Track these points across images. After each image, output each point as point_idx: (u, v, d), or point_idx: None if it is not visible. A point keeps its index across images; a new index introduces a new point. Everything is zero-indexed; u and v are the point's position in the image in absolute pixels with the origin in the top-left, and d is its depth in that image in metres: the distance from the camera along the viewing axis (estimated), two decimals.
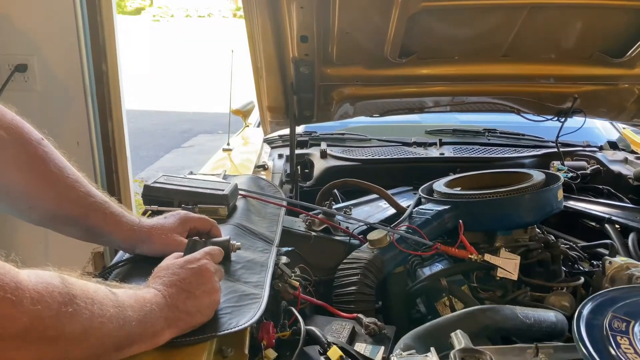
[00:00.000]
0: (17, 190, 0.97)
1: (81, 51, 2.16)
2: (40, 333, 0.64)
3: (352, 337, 1.18)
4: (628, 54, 1.70)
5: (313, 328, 1.09)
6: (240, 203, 1.47)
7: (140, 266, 1.06)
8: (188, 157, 6.97)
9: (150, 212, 1.35)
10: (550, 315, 1.19)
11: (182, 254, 0.99)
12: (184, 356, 0.85)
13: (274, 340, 1.05)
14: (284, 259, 1.29)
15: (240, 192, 1.51)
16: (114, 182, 2.40)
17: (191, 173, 1.72)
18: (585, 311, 0.97)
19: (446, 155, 2.33)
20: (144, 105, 10.29)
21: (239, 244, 1.15)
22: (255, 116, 2.80)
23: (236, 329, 0.91)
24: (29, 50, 2.22)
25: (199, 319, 0.88)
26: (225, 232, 1.22)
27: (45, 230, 1.11)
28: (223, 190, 1.39)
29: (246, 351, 0.94)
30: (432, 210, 1.61)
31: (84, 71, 2.20)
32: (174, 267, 0.91)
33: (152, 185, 1.39)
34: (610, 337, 0.89)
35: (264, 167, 2.02)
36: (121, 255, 1.14)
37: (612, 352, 0.86)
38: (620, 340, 0.89)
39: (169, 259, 0.96)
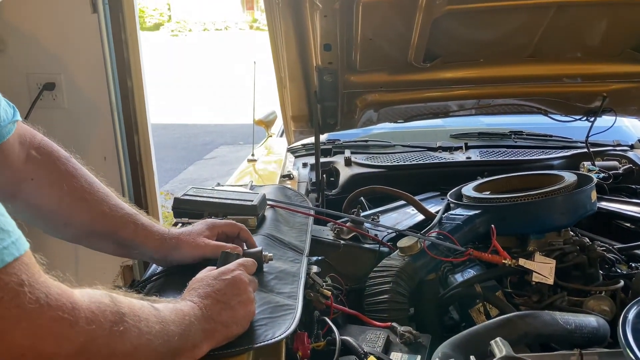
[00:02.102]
0: (52, 207, 0.99)
1: (107, 68, 2.20)
2: (94, 352, 0.65)
3: (387, 347, 1.16)
4: None
5: (348, 338, 1.08)
6: (268, 213, 1.47)
7: (174, 279, 1.06)
8: (211, 169, 7.02)
9: (180, 224, 1.36)
10: (591, 321, 1.16)
11: (215, 267, 1.00)
12: None
13: (309, 351, 1.04)
14: (314, 269, 1.28)
15: (269, 202, 1.51)
16: (141, 196, 2.42)
17: (218, 184, 1.72)
18: (631, 315, 0.94)
19: (473, 159, 2.29)
20: (166, 118, 10.42)
21: (271, 255, 1.14)
22: (277, 126, 2.81)
23: (272, 340, 0.90)
24: (57, 69, 2.26)
25: (235, 330, 0.88)
26: (255, 243, 1.22)
27: (74, 245, 1.12)
28: (252, 200, 1.39)
29: None
30: (462, 215, 1.58)
31: (110, 87, 2.23)
32: (208, 279, 0.91)
33: (182, 197, 1.39)
34: None
35: (289, 177, 2.02)
36: (154, 268, 1.14)
37: None
38: None
39: (203, 271, 0.96)
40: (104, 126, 2.28)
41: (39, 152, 0.97)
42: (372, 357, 1.00)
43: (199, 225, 1.13)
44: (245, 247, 1.16)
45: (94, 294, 0.68)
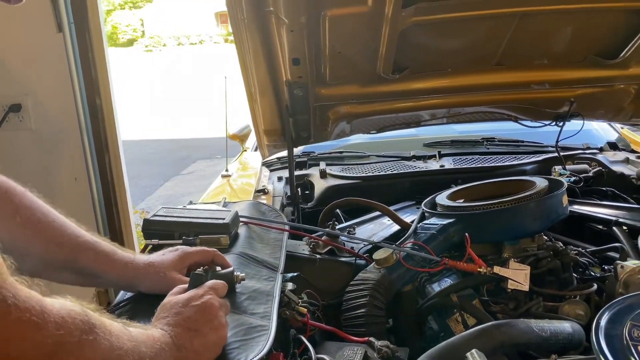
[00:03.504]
0: (7, 241, 0.96)
1: (74, 87, 2.17)
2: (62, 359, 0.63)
3: None
4: (621, 55, 1.69)
5: (324, 356, 1.06)
6: (242, 230, 1.45)
7: (143, 306, 1.03)
8: (188, 184, 6.96)
9: (150, 246, 1.33)
10: (566, 327, 1.16)
11: (185, 286, 0.97)
12: None
13: None
14: (290, 286, 1.26)
15: (242, 219, 1.49)
16: (114, 215, 2.38)
17: (191, 203, 1.70)
18: (603, 321, 0.95)
19: (446, 167, 2.31)
20: (141, 134, 10.33)
21: (243, 274, 1.12)
22: (252, 140, 2.79)
23: None
24: (23, 90, 2.22)
25: (206, 356, 0.87)
26: (229, 259, 1.20)
27: None
28: (224, 219, 1.37)
29: None
30: (436, 224, 1.58)
31: (78, 107, 2.20)
32: (177, 306, 0.89)
33: (151, 219, 1.37)
34: (632, 347, 0.87)
35: (264, 191, 2.00)
36: (123, 294, 1.11)
37: None
38: None
39: (172, 294, 0.94)
40: (74, 146, 2.24)
41: None
42: None
43: (170, 255, 1.10)
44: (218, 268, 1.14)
45: (65, 302, 0.67)
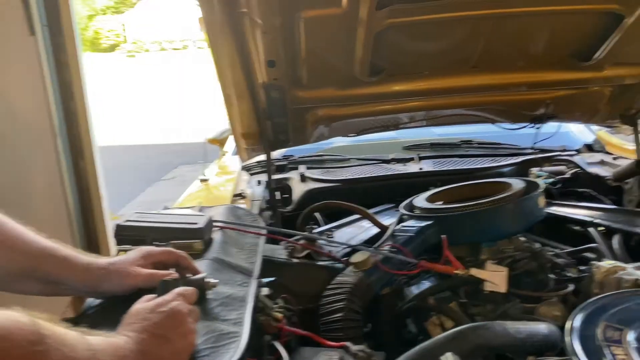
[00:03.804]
0: None
1: (47, 91, 2.11)
2: None
3: None
4: (595, 56, 1.71)
5: None
6: (217, 235, 1.43)
7: (108, 314, 1.00)
8: (169, 190, 6.88)
9: (123, 252, 1.30)
10: (541, 328, 1.15)
11: (154, 296, 0.95)
12: None
13: None
14: (265, 291, 1.24)
15: (217, 224, 1.46)
16: (89, 223, 2.33)
17: (166, 207, 1.67)
18: (577, 322, 0.94)
19: (425, 169, 2.31)
20: (123, 140, 10.22)
21: (215, 281, 1.09)
22: (232, 144, 2.77)
23: None
24: None
25: (175, 346, 0.84)
26: (200, 268, 1.17)
27: None
28: (197, 223, 1.34)
29: None
30: (414, 227, 1.58)
31: (52, 111, 2.14)
32: (144, 312, 0.86)
33: (123, 224, 1.34)
34: (605, 348, 0.86)
35: (242, 196, 1.97)
36: (90, 302, 1.08)
37: None
38: (616, 350, 0.86)
39: (140, 302, 0.91)
40: (46, 152, 2.18)
41: None
42: None
43: (133, 253, 1.08)
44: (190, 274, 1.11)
45: (11, 313, 0.64)
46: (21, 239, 0.96)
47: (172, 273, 1.05)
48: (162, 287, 0.95)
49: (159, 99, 14.04)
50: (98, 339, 0.76)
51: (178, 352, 0.85)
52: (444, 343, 1.05)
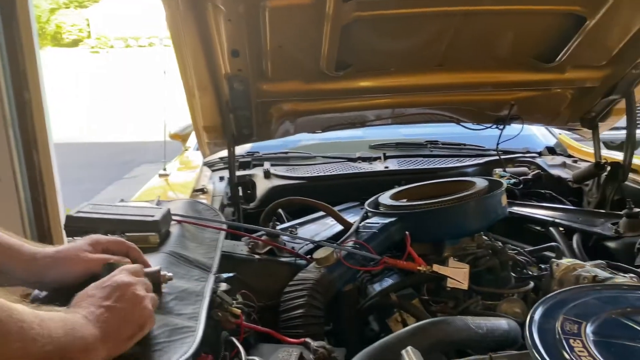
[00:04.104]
0: None
1: None
2: None
3: None
4: (558, 58, 1.73)
5: (255, 358, 1.01)
6: (174, 229, 1.37)
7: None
8: (131, 188, 6.71)
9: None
10: (502, 324, 1.15)
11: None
12: None
13: None
14: (223, 286, 1.20)
15: (175, 217, 1.41)
16: (43, 219, 2.23)
17: (122, 201, 1.60)
18: (537, 316, 0.94)
19: (391, 168, 2.31)
20: (85, 137, 9.95)
21: (170, 274, 1.05)
22: (194, 139, 2.71)
23: None
24: None
25: (132, 329, 0.82)
26: (156, 261, 1.12)
27: None
28: (153, 216, 1.29)
29: None
30: (378, 223, 1.56)
31: (4, 100, 2.04)
32: (88, 290, 0.84)
33: (74, 215, 1.27)
34: (564, 341, 0.86)
35: (203, 191, 1.92)
36: (36, 295, 1.02)
37: (567, 356, 0.82)
38: (574, 343, 0.86)
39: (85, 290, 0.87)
40: None
41: None
42: None
43: (80, 241, 1.03)
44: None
45: None
46: None
47: (123, 258, 1.01)
48: (106, 270, 0.92)
49: (122, 97, 13.73)
50: (43, 309, 0.73)
51: (131, 320, 0.82)
52: (405, 338, 1.03)
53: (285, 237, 1.64)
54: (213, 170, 2.35)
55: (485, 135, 2.40)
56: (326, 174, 2.29)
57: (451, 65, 1.78)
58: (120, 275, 0.87)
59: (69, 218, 1.26)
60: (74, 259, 0.97)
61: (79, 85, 15.31)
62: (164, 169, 2.17)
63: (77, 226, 1.25)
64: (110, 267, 0.91)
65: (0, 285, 0.98)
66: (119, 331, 0.80)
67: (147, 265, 1.07)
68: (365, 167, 2.34)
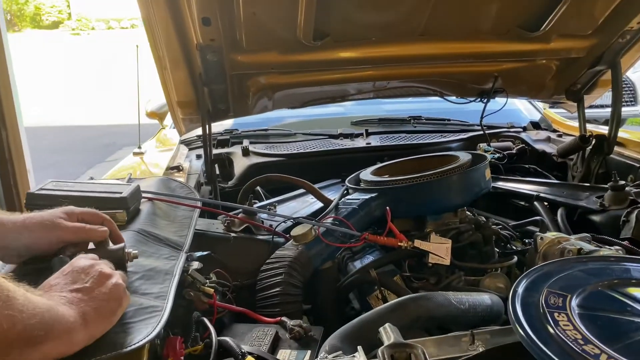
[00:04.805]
0: None
1: None
2: None
3: (275, 344, 1.05)
4: (543, 27, 1.68)
5: (227, 338, 0.96)
6: (145, 207, 1.31)
7: None
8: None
9: None
10: (485, 299, 1.11)
11: None
12: None
13: (182, 358, 0.91)
14: (195, 265, 1.15)
15: (146, 194, 1.35)
16: (13, 198, 2.15)
17: (92, 179, 1.53)
18: (520, 289, 0.90)
19: (373, 144, 2.25)
20: (64, 121, 9.74)
21: (136, 252, 0.99)
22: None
23: (126, 349, 0.77)
24: None
25: (107, 306, 0.79)
26: (125, 236, 1.06)
27: None
28: (121, 192, 1.22)
29: None
30: (358, 199, 1.51)
31: None
32: (51, 280, 0.79)
33: (36, 192, 1.20)
34: (548, 315, 0.82)
35: (178, 169, 1.85)
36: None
37: (551, 330, 0.78)
38: (558, 317, 0.82)
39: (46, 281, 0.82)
40: None
41: None
42: (249, 357, 0.89)
43: (54, 210, 0.96)
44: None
45: None
46: None
47: (100, 227, 0.97)
48: (57, 263, 0.87)
49: (103, 79, 13.44)
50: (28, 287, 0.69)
51: (106, 297, 0.79)
52: (384, 314, 0.99)
53: (263, 215, 1.59)
54: (190, 149, 2.28)
55: (469, 110, 2.36)
56: (306, 150, 2.23)
57: (433, 34, 1.72)
58: (79, 260, 0.83)
59: (30, 195, 1.20)
60: (48, 225, 0.92)
61: (59, 68, 14.97)
62: (139, 147, 2.10)
63: (39, 204, 1.18)
64: (61, 261, 0.87)
65: None
66: (98, 310, 0.76)
67: (120, 239, 1.01)
68: (347, 143, 2.28)
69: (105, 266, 0.84)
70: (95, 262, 0.84)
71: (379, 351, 0.79)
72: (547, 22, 1.65)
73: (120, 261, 0.96)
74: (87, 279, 0.79)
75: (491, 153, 2.07)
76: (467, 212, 1.55)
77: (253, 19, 1.48)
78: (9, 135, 2.10)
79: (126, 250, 0.98)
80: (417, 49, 1.74)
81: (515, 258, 1.40)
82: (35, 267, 0.95)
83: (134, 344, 0.78)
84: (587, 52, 1.86)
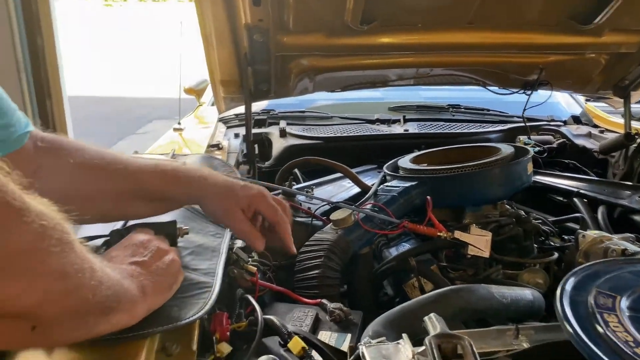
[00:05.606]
0: (65, 186, 0.90)
1: (12, 22, 1.95)
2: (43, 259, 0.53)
3: (316, 326, 1.07)
4: (596, 20, 1.63)
5: (272, 317, 0.98)
6: None
7: None
8: (143, 144, 6.69)
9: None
10: (526, 294, 1.11)
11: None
12: (120, 355, 0.73)
13: (228, 333, 0.93)
14: (239, 243, 1.17)
15: None
16: None
17: (136, 152, 1.56)
18: (568, 287, 0.89)
19: (410, 131, 2.24)
20: (98, 91, 9.89)
21: (187, 227, 1.02)
22: (209, 95, 2.65)
23: (181, 323, 0.79)
24: None
25: (165, 280, 0.81)
26: (171, 214, 1.09)
27: None
28: None
29: (194, 347, 0.83)
30: (398, 187, 1.51)
31: (16, 45, 1.98)
32: (111, 252, 0.82)
33: None
34: (597, 315, 0.81)
35: (218, 147, 1.87)
36: None
37: (601, 330, 0.78)
38: (608, 317, 0.81)
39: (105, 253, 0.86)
40: (10, 89, 2.03)
41: (44, 141, 0.91)
42: (296, 337, 0.91)
43: (244, 190, 1.00)
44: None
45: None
46: (121, 161, 0.94)
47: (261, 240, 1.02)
48: (116, 235, 0.91)
49: (137, 51, 13.57)
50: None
51: (163, 272, 0.81)
52: (427, 304, 1.00)
53: (301, 197, 1.60)
54: (228, 127, 2.30)
55: (508, 101, 2.32)
56: (343, 135, 2.23)
57: (482, 23, 1.69)
58: (136, 234, 0.86)
59: None
60: (230, 213, 0.98)
61: (91, 38, 15.15)
62: (179, 124, 2.12)
63: None
64: (118, 233, 0.91)
65: (164, 211, 1.01)
66: (156, 284, 0.78)
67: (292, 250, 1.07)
68: (384, 129, 2.27)
69: (161, 242, 0.87)
70: (152, 237, 0.87)
71: (426, 340, 0.80)
72: (601, 15, 1.61)
73: (172, 236, 0.98)
74: (146, 252, 0.82)
75: (532, 146, 2.04)
76: (506, 205, 1.54)
77: (302, 1, 1.48)
78: (53, 105, 2.14)
79: (178, 225, 1.00)
80: (464, 37, 1.71)
81: (556, 254, 1.39)
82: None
83: (187, 319, 0.80)
84: (638, 47, 1.80)
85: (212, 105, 2.49)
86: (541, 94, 2.16)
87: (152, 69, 11.48)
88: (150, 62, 12.23)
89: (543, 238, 1.51)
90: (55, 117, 2.16)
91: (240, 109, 2.20)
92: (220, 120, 2.33)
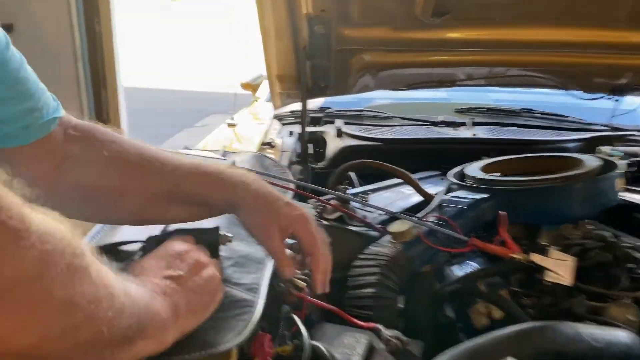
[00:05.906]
0: (97, 180, 0.83)
1: (70, 8, 1.93)
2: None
3: (369, 355, 0.94)
4: None
5: (320, 345, 0.86)
6: None
7: None
8: (199, 137, 6.76)
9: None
10: (622, 336, 0.94)
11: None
12: None
13: (269, 358, 0.83)
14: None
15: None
16: None
17: (186, 148, 1.49)
18: None
19: (479, 136, 2.06)
20: (157, 84, 10.13)
21: (230, 235, 0.91)
22: (265, 90, 2.57)
23: (216, 350, 0.69)
24: (15, 9, 1.99)
25: (201, 299, 0.72)
26: (213, 219, 0.99)
27: None
28: None
29: None
30: (467, 199, 1.36)
31: (74, 32, 1.96)
32: (143, 262, 0.73)
33: None
34: None
35: (270, 145, 1.78)
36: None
37: None
38: None
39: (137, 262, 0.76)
40: (66, 77, 2.02)
41: (76, 129, 0.83)
42: None
43: (285, 206, 0.88)
44: None
45: (47, 217, 0.46)
46: (159, 158, 0.85)
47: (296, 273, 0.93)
48: (153, 242, 0.81)
49: (195, 44, 13.82)
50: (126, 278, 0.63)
51: (200, 289, 0.72)
52: (503, 341, 0.85)
53: (356, 204, 1.48)
54: (283, 124, 2.20)
55: (585, 107, 2.11)
56: (404, 137, 2.08)
57: (569, 19, 1.51)
58: (173, 243, 0.76)
59: None
60: (265, 231, 0.88)
61: (150, 31, 15.56)
62: (232, 118, 2.05)
63: None
64: (156, 239, 0.81)
65: (202, 217, 0.92)
66: (190, 304, 0.69)
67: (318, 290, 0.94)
68: (450, 132, 2.10)
69: (201, 253, 0.77)
70: (190, 247, 0.77)
71: None
72: None
73: (213, 244, 0.88)
74: (182, 265, 0.72)
75: (619, 158, 1.82)
76: (588, 225, 1.36)
77: None
78: (108, 96, 2.12)
79: (220, 232, 0.90)
80: (549, 34, 1.54)
81: None
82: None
83: (224, 344, 0.70)
84: None
85: (268, 101, 2.40)
86: (626, 102, 1.94)
87: (209, 64, 11.65)
88: (207, 57, 12.43)
89: (635, 266, 1.31)
90: (110, 107, 2.14)
91: (296, 106, 2.10)
92: (276, 116, 2.24)
